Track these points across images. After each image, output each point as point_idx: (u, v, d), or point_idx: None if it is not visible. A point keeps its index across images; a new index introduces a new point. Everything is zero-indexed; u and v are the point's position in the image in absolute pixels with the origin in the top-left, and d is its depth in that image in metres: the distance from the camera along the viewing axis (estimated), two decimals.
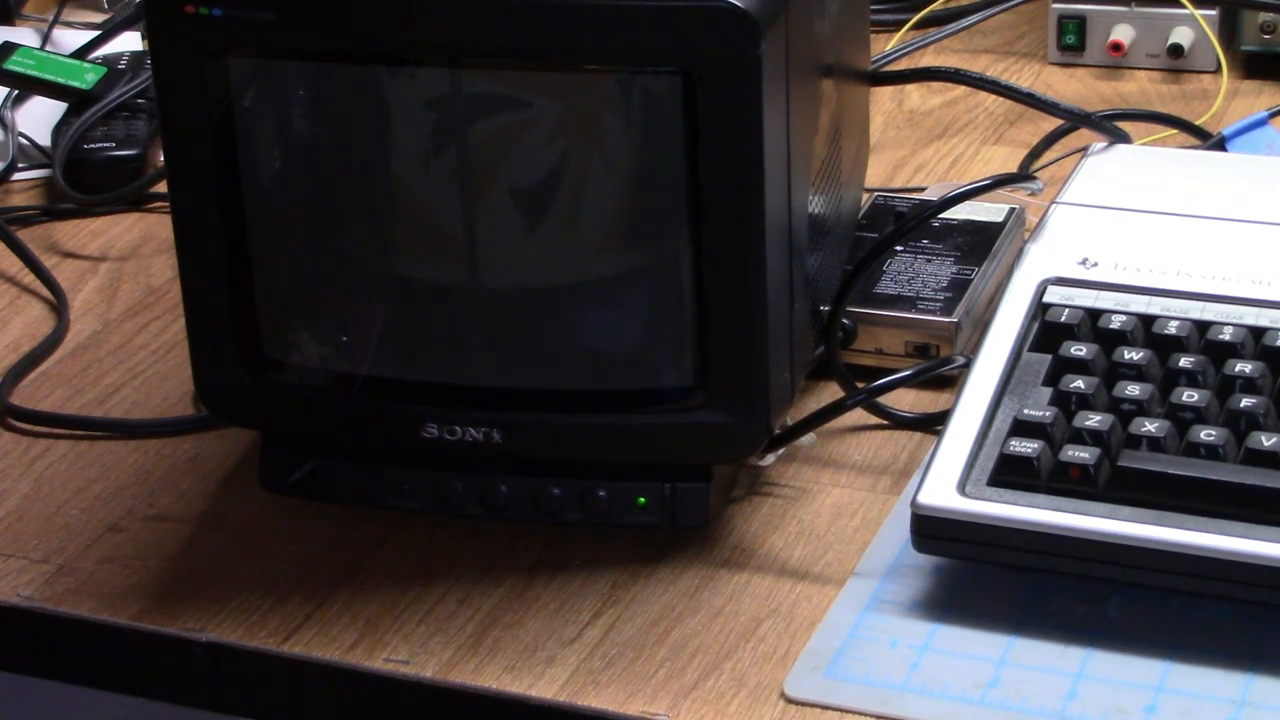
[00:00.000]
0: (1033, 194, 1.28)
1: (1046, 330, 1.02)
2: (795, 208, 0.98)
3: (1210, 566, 0.90)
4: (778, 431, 1.01)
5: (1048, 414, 0.96)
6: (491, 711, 0.92)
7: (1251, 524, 0.91)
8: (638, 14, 0.90)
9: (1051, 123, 1.37)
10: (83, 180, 1.38)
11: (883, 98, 1.48)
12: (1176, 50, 1.50)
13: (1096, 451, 0.93)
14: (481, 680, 0.93)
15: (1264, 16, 1.48)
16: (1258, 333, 0.99)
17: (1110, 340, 1.00)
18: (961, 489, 0.94)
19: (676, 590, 0.97)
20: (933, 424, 1.08)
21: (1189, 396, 0.96)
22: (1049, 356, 1.00)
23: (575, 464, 0.99)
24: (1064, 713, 0.88)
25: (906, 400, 1.11)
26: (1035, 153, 1.36)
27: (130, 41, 1.55)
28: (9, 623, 0.99)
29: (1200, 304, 1.01)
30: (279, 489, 1.03)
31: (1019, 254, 1.07)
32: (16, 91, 1.47)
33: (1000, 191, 1.18)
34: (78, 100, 1.43)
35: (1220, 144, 1.29)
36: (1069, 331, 1.01)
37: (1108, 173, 1.15)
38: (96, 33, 1.55)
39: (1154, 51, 1.51)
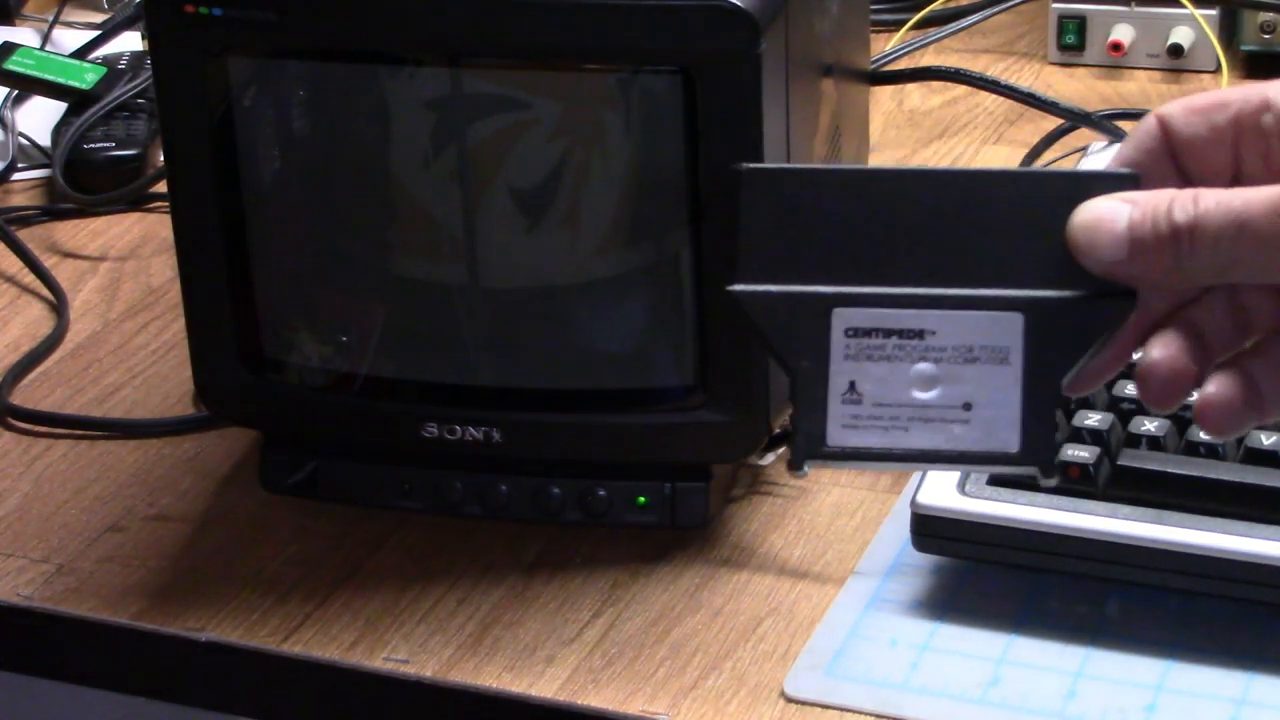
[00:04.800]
0: None
1: None
2: None
3: (1210, 566, 0.90)
4: (778, 431, 1.01)
5: None
6: (491, 711, 0.92)
7: (1251, 523, 0.91)
8: (638, 14, 0.90)
9: (1051, 122, 1.37)
10: (83, 180, 1.38)
11: (883, 98, 1.48)
12: (1176, 50, 1.50)
13: (1096, 450, 0.93)
14: (481, 679, 0.93)
15: (1264, 16, 1.48)
16: None
17: None
18: (961, 488, 0.94)
19: (676, 590, 0.98)
20: None
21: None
22: None
23: (575, 464, 0.99)
24: (1064, 712, 0.88)
25: None
26: (1035, 153, 1.36)
27: (130, 41, 1.55)
28: (9, 623, 0.99)
29: None
30: (279, 489, 1.03)
31: None
32: (16, 91, 1.47)
33: None
34: (78, 100, 1.43)
35: None
36: None
37: None
38: (96, 33, 1.55)
39: (1154, 51, 1.51)
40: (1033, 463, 0.67)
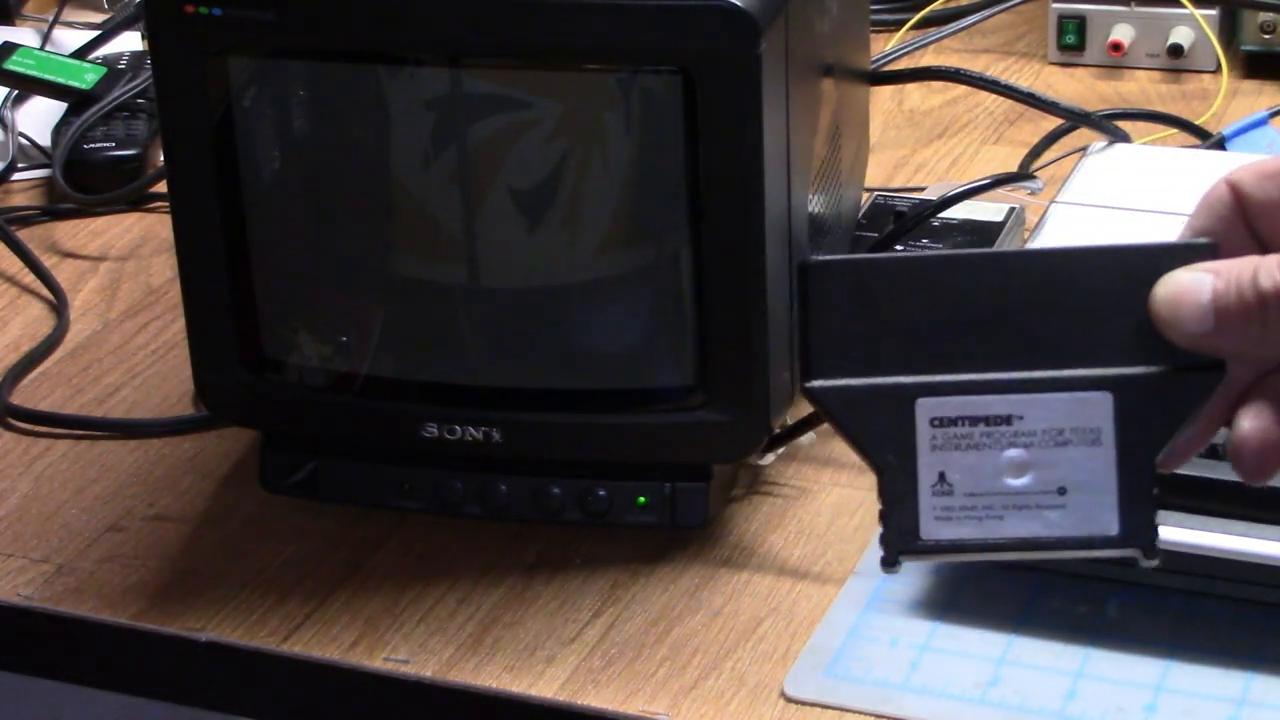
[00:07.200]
0: (1032, 193, 1.28)
1: None
2: (795, 207, 0.98)
3: (1210, 566, 0.90)
4: (777, 431, 1.01)
5: None
6: (491, 711, 0.92)
7: (1251, 523, 0.91)
8: (638, 14, 0.90)
9: (1051, 122, 1.37)
10: (83, 180, 1.38)
11: (883, 97, 1.48)
12: (1176, 50, 1.50)
13: None
14: (481, 680, 0.93)
15: (1264, 16, 1.48)
16: None
17: None
18: None
19: (676, 590, 0.98)
20: None
21: None
22: None
23: (575, 464, 0.99)
24: (1064, 712, 0.88)
25: None
26: (1035, 152, 1.36)
27: (130, 41, 1.55)
28: (9, 623, 0.99)
29: None
30: (279, 489, 1.03)
31: None
32: (16, 91, 1.47)
33: (1000, 191, 1.17)
34: (78, 100, 1.43)
35: (1220, 144, 1.28)
36: None
37: (1107, 172, 1.15)
38: (96, 33, 1.55)
39: (1154, 51, 1.51)
40: (1134, 545, 0.66)
